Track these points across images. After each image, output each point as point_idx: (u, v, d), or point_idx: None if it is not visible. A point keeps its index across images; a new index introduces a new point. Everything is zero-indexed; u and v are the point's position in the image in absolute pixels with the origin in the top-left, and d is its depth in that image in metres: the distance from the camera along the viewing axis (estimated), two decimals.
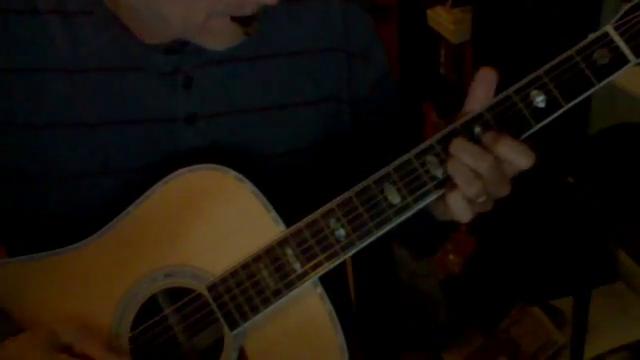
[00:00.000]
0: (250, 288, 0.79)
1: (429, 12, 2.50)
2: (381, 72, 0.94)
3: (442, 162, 0.76)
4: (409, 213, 0.77)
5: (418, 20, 2.55)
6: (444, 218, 0.81)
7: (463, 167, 0.73)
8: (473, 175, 0.73)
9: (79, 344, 0.78)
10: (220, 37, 0.79)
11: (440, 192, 0.77)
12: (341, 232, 0.78)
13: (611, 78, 0.75)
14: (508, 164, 0.74)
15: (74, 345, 0.78)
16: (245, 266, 0.79)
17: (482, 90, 0.76)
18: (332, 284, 0.81)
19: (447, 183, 0.76)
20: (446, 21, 2.41)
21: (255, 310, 0.79)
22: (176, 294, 0.82)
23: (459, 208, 0.75)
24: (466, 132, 0.75)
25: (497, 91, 0.77)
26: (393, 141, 0.80)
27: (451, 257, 2.09)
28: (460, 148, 0.74)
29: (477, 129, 0.75)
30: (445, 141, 0.76)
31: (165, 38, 0.82)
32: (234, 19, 0.76)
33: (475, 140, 0.75)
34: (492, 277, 2.00)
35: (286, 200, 0.81)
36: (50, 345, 0.77)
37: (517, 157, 0.73)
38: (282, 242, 0.79)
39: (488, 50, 2.19)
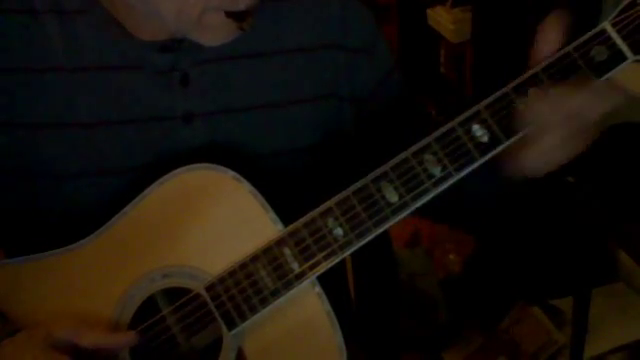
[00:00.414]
0: (248, 288, 0.79)
1: (429, 12, 2.50)
2: (386, 67, 0.94)
3: (440, 160, 0.76)
4: (407, 212, 0.77)
5: (418, 20, 2.55)
6: (534, 172, 0.79)
7: (554, 107, 0.72)
8: (566, 113, 0.72)
9: (77, 338, 0.78)
10: (215, 32, 0.79)
11: (439, 190, 0.76)
12: (339, 231, 0.78)
13: (609, 75, 0.75)
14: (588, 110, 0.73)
15: (72, 340, 0.78)
16: (243, 266, 0.79)
17: (553, 35, 0.75)
18: (331, 284, 0.81)
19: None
20: (446, 21, 2.41)
21: (253, 310, 0.79)
22: (174, 294, 0.82)
23: (555, 143, 0.74)
24: (520, 93, 0.75)
25: (494, 90, 0.77)
26: (399, 137, 0.79)
27: (451, 257, 2.09)
28: (540, 96, 0.73)
29: (531, 89, 0.75)
30: (443, 139, 0.76)
31: (161, 35, 0.82)
32: (228, 14, 0.76)
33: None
34: (492, 277, 1.99)
35: (284, 199, 0.80)
36: (47, 344, 0.77)
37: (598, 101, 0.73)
38: (280, 242, 0.78)
39: (488, 50, 2.19)
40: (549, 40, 0.75)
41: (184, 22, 0.77)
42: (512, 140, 0.76)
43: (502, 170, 0.80)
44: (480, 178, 0.78)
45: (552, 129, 0.73)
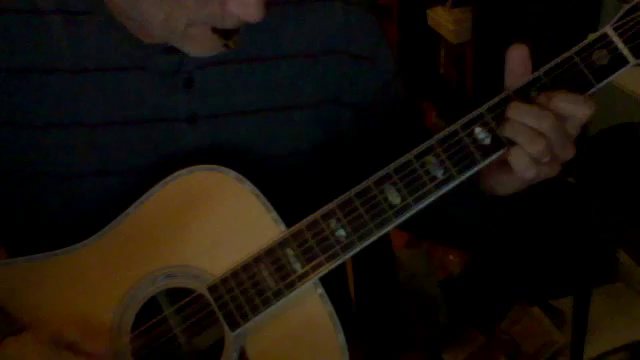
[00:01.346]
0: (251, 289, 0.79)
1: (429, 12, 2.50)
2: (388, 75, 0.94)
3: (442, 162, 0.76)
4: (409, 214, 0.77)
5: (418, 20, 2.55)
6: (504, 190, 0.80)
7: (524, 127, 0.73)
8: (535, 134, 0.73)
9: (83, 342, 0.78)
10: (200, 45, 0.78)
11: (441, 192, 0.77)
12: (341, 233, 0.78)
13: (610, 79, 0.75)
14: (569, 119, 0.74)
15: (78, 343, 0.78)
16: (246, 267, 0.79)
17: (517, 66, 0.75)
18: (332, 285, 0.81)
19: (504, 145, 0.75)
20: (446, 21, 2.41)
21: (256, 311, 0.79)
22: (177, 295, 0.83)
23: (522, 165, 0.74)
24: (521, 97, 0.75)
25: (496, 92, 0.77)
26: (400, 143, 0.79)
27: (451, 257, 2.10)
28: (519, 110, 0.73)
29: (533, 93, 0.75)
30: (445, 140, 0.76)
31: (157, 39, 0.83)
32: (214, 30, 0.76)
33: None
34: (492, 277, 2.00)
35: (287, 201, 0.81)
36: (54, 343, 0.77)
37: (577, 107, 0.73)
38: (283, 243, 0.79)
39: (488, 50, 2.19)
40: (515, 73, 0.76)
41: (170, 32, 0.76)
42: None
43: (477, 187, 0.81)
44: (458, 196, 0.78)
45: (532, 142, 0.73)
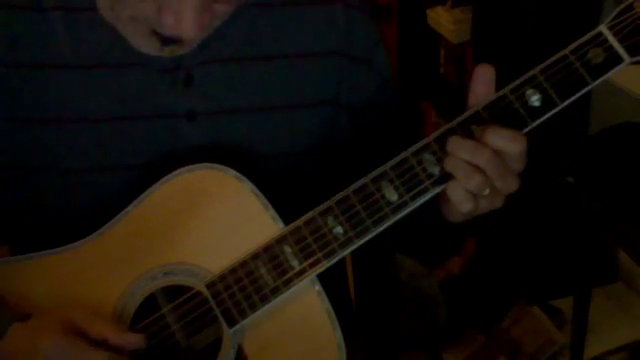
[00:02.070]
0: (249, 286, 0.79)
1: (429, 12, 2.50)
2: (383, 78, 0.95)
3: (439, 160, 0.76)
4: (406, 210, 0.77)
5: (418, 20, 2.55)
6: (453, 218, 0.82)
7: (461, 163, 0.74)
8: (471, 169, 0.74)
9: (89, 325, 0.78)
10: (141, 41, 0.80)
11: (438, 189, 0.77)
12: (339, 230, 0.78)
13: (605, 77, 0.76)
14: (506, 154, 0.74)
15: (90, 329, 0.78)
16: (244, 264, 0.79)
17: (482, 87, 0.76)
18: (331, 282, 0.81)
19: (447, 178, 0.76)
20: (446, 21, 2.40)
21: (253, 308, 0.79)
22: (175, 292, 0.83)
23: (459, 198, 0.75)
24: (463, 130, 0.76)
25: (497, 89, 0.77)
26: (393, 145, 0.80)
27: None
28: (456, 145, 0.75)
29: (474, 127, 0.76)
30: (442, 139, 0.76)
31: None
32: (154, 33, 0.77)
33: (471, 137, 0.75)
34: (492, 277, 1.99)
35: (285, 199, 0.81)
36: (65, 329, 0.77)
37: (506, 142, 0.74)
38: (280, 240, 0.79)
39: (488, 50, 2.19)
40: (478, 93, 0.76)
41: (116, 19, 0.79)
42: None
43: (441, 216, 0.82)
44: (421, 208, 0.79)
45: (467, 177, 0.74)
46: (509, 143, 0.74)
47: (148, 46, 0.81)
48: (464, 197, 0.75)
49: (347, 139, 0.94)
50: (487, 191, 0.75)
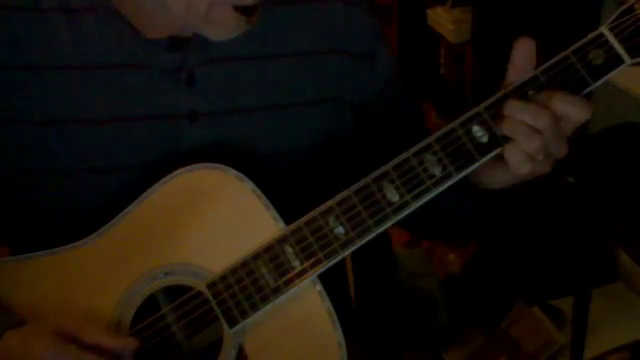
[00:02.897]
0: (249, 286, 0.79)
1: (429, 12, 2.50)
2: (388, 74, 0.95)
3: (440, 160, 0.76)
4: (408, 211, 0.77)
5: (418, 20, 2.55)
6: (498, 184, 0.81)
7: (521, 125, 0.74)
8: (532, 131, 0.74)
9: (87, 335, 0.78)
10: (223, 27, 0.80)
11: (438, 190, 0.77)
12: (340, 230, 0.78)
13: (606, 78, 0.76)
14: (565, 119, 0.75)
15: (81, 336, 0.78)
16: (245, 264, 0.79)
17: (522, 60, 0.76)
18: (331, 282, 0.81)
19: (500, 141, 0.76)
20: (446, 21, 2.41)
21: (254, 308, 0.79)
22: (176, 292, 0.83)
23: (518, 161, 0.75)
24: (518, 95, 0.76)
25: (494, 91, 0.77)
26: (399, 143, 0.80)
27: (451, 257, 2.10)
28: (517, 107, 0.75)
29: (531, 92, 0.76)
30: (444, 140, 0.76)
31: (168, 31, 0.83)
32: (236, 9, 0.77)
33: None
34: (492, 277, 1.99)
35: (286, 199, 0.81)
36: (57, 335, 0.77)
37: (574, 109, 0.74)
38: (281, 240, 0.79)
39: (488, 50, 2.19)
40: (519, 67, 0.76)
41: (192, 16, 0.78)
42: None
43: (472, 182, 0.82)
44: (450, 189, 0.79)
45: (528, 140, 0.74)
46: (577, 109, 0.74)
47: (232, 27, 0.79)
48: (523, 159, 0.75)
49: (352, 136, 0.94)
50: (542, 155, 0.75)
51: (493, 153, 0.77)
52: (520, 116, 0.74)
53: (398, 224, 0.79)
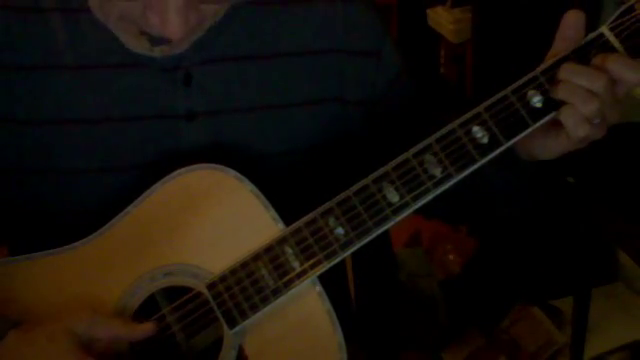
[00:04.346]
0: (249, 287, 0.79)
1: (429, 12, 2.50)
2: (395, 68, 0.94)
3: (440, 161, 0.76)
4: (407, 212, 0.77)
5: (418, 20, 2.55)
6: (549, 154, 0.80)
7: (577, 88, 0.74)
8: (589, 94, 0.74)
9: (94, 328, 0.78)
10: (130, 40, 0.82)
11: (438, 191, 0.77)
12: (340, 231, 0.78)
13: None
14: (619, 82, 0.75)
15: (89, 332, 0.77)
16: (244, 265, 0.79)
17: (572, 32, 0.77)
18: (331, 283, 0.81)
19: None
20: (446, 21, 2.41)
21: (254, 308, 0.79)
22: (176, 293, 0.83)
23: (575, 123, 0.75)
24: (578, 58, 0.76)
25: (494, 90, 0.77)
26: (413, 136, 0.80)
27: (451, 257, 2.09)
28: (573, 71, 0.75)
29: (594, 52, 0.76)
30: (444, 140, 0.76)
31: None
32: (143, 32, 0.79)
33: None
34: (492, 277, 2.00)
35: (285, 199, 0.81)
36: (73, 344, 0.77)
37: (629, 72, 0.74)
38: (281, 241, 0.79)
39: (488, 50, 2.19)
40: (568, 38, 0.77)
41: (105, 17, 0.82)
42: (512, 142, 0.77)
43: (515, 154, 0.81)
44: (494, 165, 0.78)
45: (586, 102, 0.74)
46: (631, 71, 0.74)
47: (138, 46, 0.81)
48: (580, 121, 0.74)
49: (362, 134, 0.94)
50: (599, 119, 0.75)
51: (493, 154, 0.76)
52: (577, 80, 0.74)
53: (438, 215, 0.78)
